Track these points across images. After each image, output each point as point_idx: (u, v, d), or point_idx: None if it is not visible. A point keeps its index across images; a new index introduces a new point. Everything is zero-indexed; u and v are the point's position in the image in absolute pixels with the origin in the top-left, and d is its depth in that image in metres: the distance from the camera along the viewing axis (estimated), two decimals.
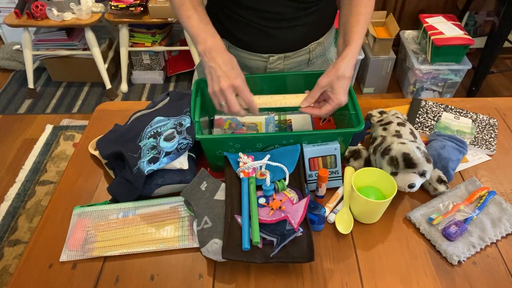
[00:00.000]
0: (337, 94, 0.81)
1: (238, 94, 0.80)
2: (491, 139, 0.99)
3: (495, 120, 1.05)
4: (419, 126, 1.02)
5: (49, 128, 2.32)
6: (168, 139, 0.83)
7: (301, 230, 0.72)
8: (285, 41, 0.97)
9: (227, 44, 1.00)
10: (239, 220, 0.75)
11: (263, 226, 0.73)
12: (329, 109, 0.83)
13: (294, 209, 0.74)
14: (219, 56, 0.80)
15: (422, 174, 0.80)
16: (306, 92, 0.86)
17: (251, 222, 0.73)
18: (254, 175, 0.81)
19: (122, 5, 2.21)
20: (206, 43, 0.82)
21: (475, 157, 0.96)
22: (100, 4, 2.29)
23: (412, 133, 0.87)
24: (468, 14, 2.50)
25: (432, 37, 2.15)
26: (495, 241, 0.78)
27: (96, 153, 0.95)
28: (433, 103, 1.08)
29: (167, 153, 0.81)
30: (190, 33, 0.85)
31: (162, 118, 0.90)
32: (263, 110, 1.00)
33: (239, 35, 0.97)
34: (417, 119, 1.04)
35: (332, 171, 0.86)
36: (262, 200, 0.77)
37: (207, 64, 0.81)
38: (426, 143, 0.95)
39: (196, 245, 0.77)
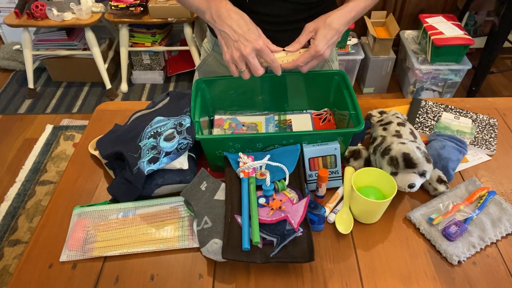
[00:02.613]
0: (317, 41, 0.76)
1: (260, 55, 0.76)
2: (491, 139, 0.99)
3: (495, 120, 1.05)
4: (419, 126, 1.02)
5: (49, 128, 2.32)
6: (168, 139, 0.83)
7: (301, 230, 0.72)
8: (285, 44, 0.97)
9: None
10: (239, 220, 0.75)
11: (263, 226, 0.73)
12: (306, 56, 0.77)
13: (294, 209, 0.74)
14: (228, 18, 0.74)
15: (422, 174, 0.80)
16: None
17: (251, 222, 0.73)
18: (254, 175, 0.81)
19: (122, 5, 2.21)
20: (211, 8, 0.77)
21: (475, 157, 0.96)
22: (100, 4, 2.29)
23: (412, 133, 0.87)
24: (468, 14, 2.50)
25: (432, 37, 2.15)
26: (495, 241, 0.78)
27: (96, 153, 0.95)
28: (433, 103, 1.08)
29: (167, 153, 0.81)
30: (195, 7, 0.80)
31: (162, 118, 0.90)
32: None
33: None
34: (417, 119, 1.04)
35: (332, 171, 0.86)
36: (262, 200, 0.77)
37: (218, 29, 0.76)
38: (426, 143, 0.95)
39: (196, 245, 0.77)
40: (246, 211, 0.75)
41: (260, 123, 1.00)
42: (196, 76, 1.13)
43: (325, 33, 0.77)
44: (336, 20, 0.78)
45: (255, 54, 0.75)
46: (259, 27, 0.92)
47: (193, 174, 0.85)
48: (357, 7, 0.81)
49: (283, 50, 0.80)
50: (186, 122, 0.85)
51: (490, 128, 1.02)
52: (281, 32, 0.94)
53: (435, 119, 1.04)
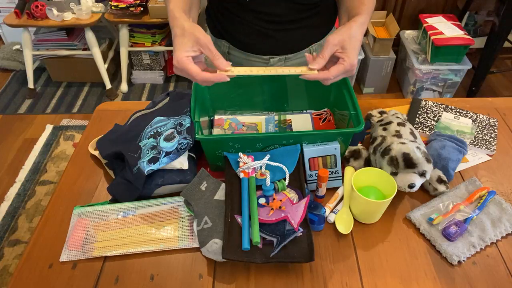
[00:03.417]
0: (350, 54, 0.73)
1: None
2: (491, 139, 0.99)
3: (495, 120, 1.05)
4: (419, 126, 1.02)
5: (49, 128, 2.32)
6: (168, 139, 0.83)
7: (301, 230, 0.72)
8: (286, 43, 0.97)
9: (227, 45, 1.00)
10: (239, 220, 0.75)
11: (263, 226, 0.73)
12: (340, 70, 0.74)
13: (294, 209, 0.74)
14: (172, 35, 0.74)
15: (422, 174, 0.80)
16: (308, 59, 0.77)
17: (251, 222, 0.73)
18: (254, 175, 0.81)
19: (122, 5, 2.21)
20: (169, 23, 0.76)
21: (475, 157, 0.96)
22: (100, 4, 2.29)
23: (412, 133, 0.87)
24: (468, 14, 2.50)
25: (432, 37, 2.15)
26: (495, 241, 0.78)
27: (96, 153, 0.95)
28: (433, 103, 1.08)
29: (167, 153, 0.81)
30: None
31: (162, 118, 0.90)
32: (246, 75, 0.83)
33: (240, 37, 0.97)
34: (417, 119, 1.04)
35: (332, 171, 0.86)
36: (262, 200, 0.77)
37: None
38: (426, 143, 0.95)
39: (196, 245, 0.77)
40: (246, 211, 0.75)
41: (260, 123, 1.00)
42: None
43: (353, 45, 0.74)
44: (359, 31, 0.76)
45: (182, 69, 0.72)
46: (259, 25, 0.92)
47: (193, 174, 0.85)
48: (366, 21, 0.80)
49: (308, 67, 0.75)
50: (186, 122, 0.85)
51: (490, 128, 1.02)
52: (281, 31, 0.94)
53: (435, 119, 1.04)
